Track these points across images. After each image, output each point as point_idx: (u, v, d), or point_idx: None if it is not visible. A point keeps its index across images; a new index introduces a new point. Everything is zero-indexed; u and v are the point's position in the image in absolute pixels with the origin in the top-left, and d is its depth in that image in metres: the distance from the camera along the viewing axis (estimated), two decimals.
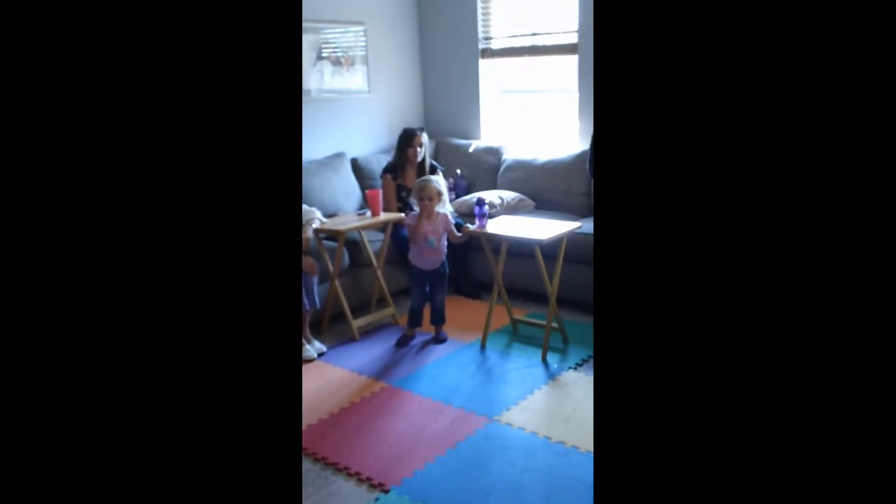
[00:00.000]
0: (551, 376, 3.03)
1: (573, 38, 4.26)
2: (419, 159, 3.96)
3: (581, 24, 4.17)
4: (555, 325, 3.30)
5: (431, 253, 3.34)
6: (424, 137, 3.99)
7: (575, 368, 3.07)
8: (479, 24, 4.64)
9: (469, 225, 3.37)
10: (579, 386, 2.92)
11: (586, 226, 3.57)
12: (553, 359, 3.19)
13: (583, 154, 4.14)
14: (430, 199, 3.25)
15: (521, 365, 3.15)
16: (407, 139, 3.95)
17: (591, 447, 2.42)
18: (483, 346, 3.35)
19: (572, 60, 4.29)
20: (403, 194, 4.00)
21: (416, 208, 3.36)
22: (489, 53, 4.70)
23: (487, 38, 4.68)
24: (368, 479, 2.30)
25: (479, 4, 4.61)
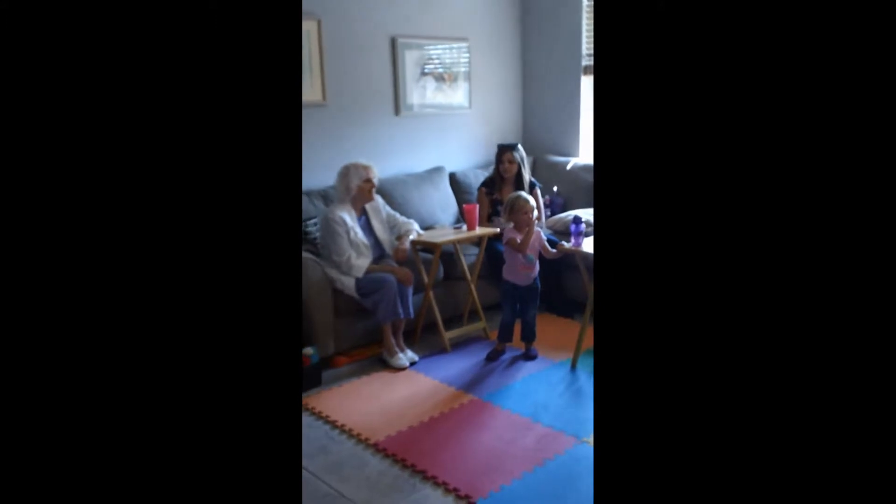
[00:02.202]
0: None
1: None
2: (512, 175, 3.97)
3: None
4: None
5: (527, 268, 3.34)
6: (520, 153, 3.99)
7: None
8: (584, 40, 4.62)
9: (564, 242, 3.35)
10: None
11: None
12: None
13: None
14: (526, 213, 3.25)
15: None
16: (500, 154, 3.98)
17: None
18: (574, 366, 3.30)
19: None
20: (499, 209, 4.02)
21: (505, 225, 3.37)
22: (592, 70, 4.67)
23: (591, 55, 4.65)
24: (455, 489, 2.31)
25: (585, 20, 4.59)
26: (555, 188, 4.51)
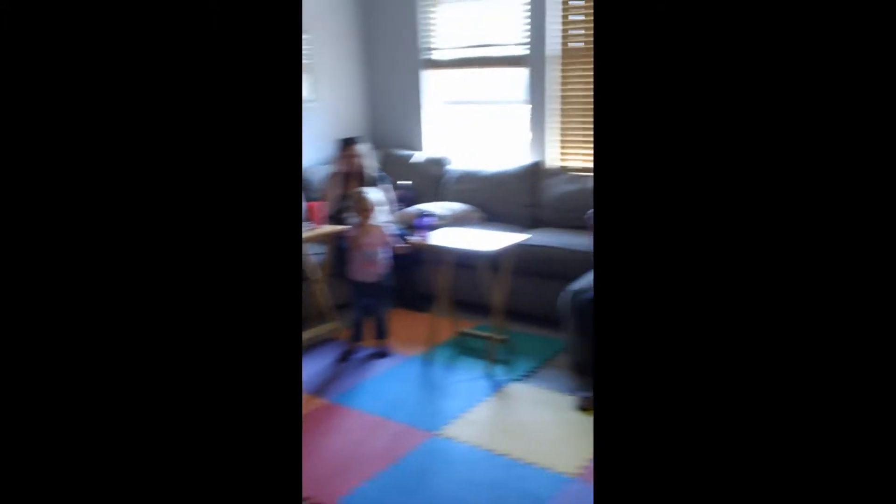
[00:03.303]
0: (496, 388, 2.96)
1: (522, 50, 4.25)
2: (356, 170, 3.88)
3: (532, 36, 4.17)
4: (501, 336, 3.25)
5: (368, 265, 3.25)
6: (363, 147, 3.91)
7: (521, 380, 3.02)
8: (421, 35, 4.60)
9: (410, 237, 3.30)
10: (524, 397, 2.86)
11: (533, 237, 3.54)
12: (499, 371, 3.13)
13: (532, 166, 4.14)
14: (365, 210, 3.18)
15: (466, 377, 3.08)
16: (341, 149, 3.90)
17: (535, 459, 2.37)
18: (427, 360, 3.27)
19: (521, 72, 4.28)
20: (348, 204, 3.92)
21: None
22: (433, 64, 4.67)
23: (431, 49, 4.65)
24: (306, 497, 2.19)
25: (421, 15, 4.58)
26: (404, 182, 4.46)
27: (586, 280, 2.91)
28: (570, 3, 4.02)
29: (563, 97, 4.18)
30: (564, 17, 4.07)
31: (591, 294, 2.77)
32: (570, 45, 4.08)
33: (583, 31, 4.03)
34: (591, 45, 3.99)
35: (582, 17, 4.02)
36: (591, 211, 2.86)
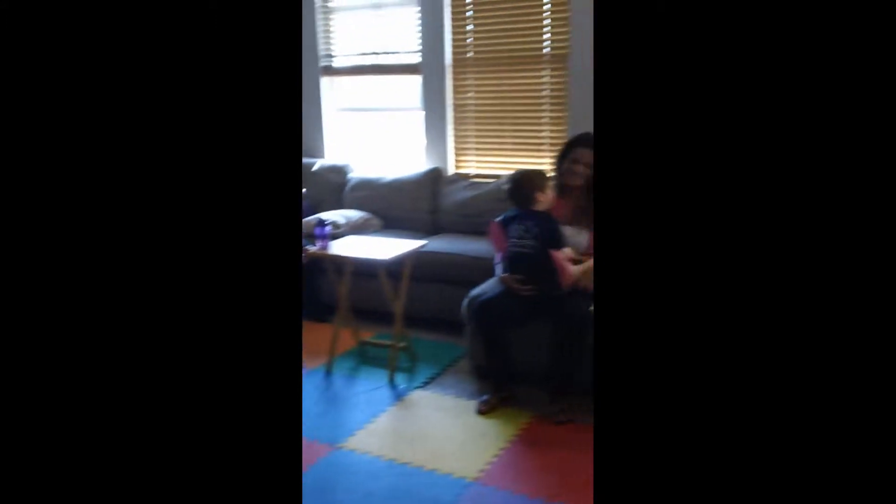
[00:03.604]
0: (398, 397, 2.97)
1: (415, 59, 4.30)
2: None
3: (424, 44, 4.22)
4: (402, 344, 3.26)
5: None
6: None
7: (422, 387, 3.04)
8: (320, 41, 4.56)
9: (310, 246, 3.27)
10: (426, 405, 2.88)
11: (431, 244, 3.58)
12: (400, 379, 3.14)
13: (430, 172, 4.18)
14: None
15: (368, 387, 3.07)
16: None
17: (436, 465, 2.39)
18: (328, 371, 3.23)
19: (415, 80, 4.32)
20: None
21: None
22: (332, 71, 4.64)
23: (329, 56, 4.62)
24: None
25: (320, 22, 4.54)
26: (302, 191, 4.40)
27: (486, 284, 2.96)
28: (466, 13, 4.09)
29: (456, 105, 4.25)
30: (457, 26, 4.13)
31: (485, 297, 2.83)
32: (463, 54, 4.16)
33: (473, 41, 4.11)
34: (481, 55, 4.09)
35: (472, 27, 4.10)
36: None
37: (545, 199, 2.80)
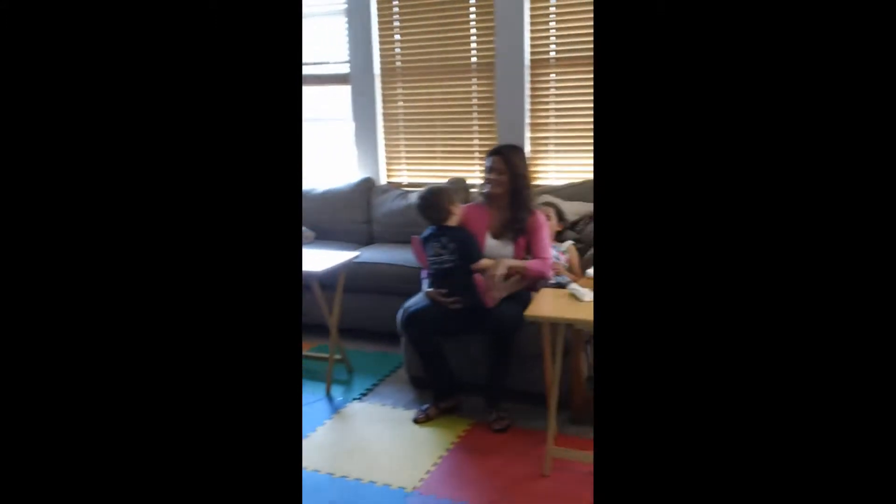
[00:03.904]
0: (335, 410, 2.94)
1: (344, 69, 4.28)
2: None
3: (351, 55, 4.21)
4: (338, 356, 3.23)
5: None
6: None
7: (360, 399, 3.02)
8: None
9: None
10: (364, 416, 2.87)
11: (365, 254, 3.57)
12: (337, 391, 3.11)
13: (363, 182, 4.16)
14: None
15: (305, 401, 3.02)
16: None
17: (375, 477, 2.38)
18: None
19: (345, 90, 4.31)
20: None
21: None
22: None
23: None
24: None
25: None
26: None
27: (418, 296, 2.97)
28: (393, 23, 4.11)
29: (386, 114, 4.26)
30: (384, 36, 4.14)
31: (415, 309, 2.83)
32: (392, 64, 4.17)
33: (400, 51, 4.13)
34: (409, 64, 4.11)
35: (399, 37, 4.12)
36: (419, 237, 2.96)
37: (458, 211, 2.84)
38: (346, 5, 4.17)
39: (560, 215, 3.23)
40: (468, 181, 3.95)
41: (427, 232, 2.87)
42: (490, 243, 2.85)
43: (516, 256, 2.81)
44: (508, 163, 2.80)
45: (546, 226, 2.86)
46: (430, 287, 2.84)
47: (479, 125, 4.05)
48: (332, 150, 4.53)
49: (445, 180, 3.98)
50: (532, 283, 2.77)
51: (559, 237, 3.17)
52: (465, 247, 2.76)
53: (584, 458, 2.41)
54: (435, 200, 2.83)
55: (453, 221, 2.82)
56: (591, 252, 3.18)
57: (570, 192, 3.59)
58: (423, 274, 2.97)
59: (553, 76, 3.82)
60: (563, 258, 2.99)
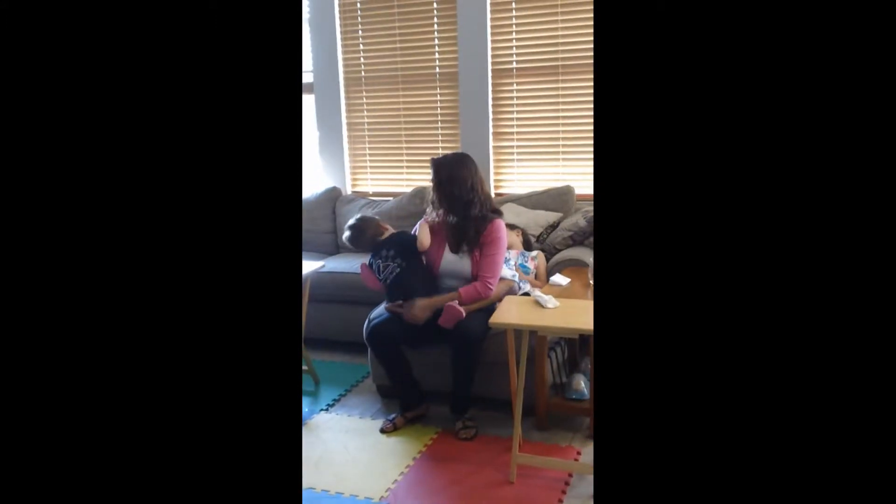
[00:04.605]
0: (302, 421, 2.93)
1: (308, 78, 4.28)
2: None
3: (315, 64, 4.20)
4: (304, 367, 3.22)
5: None
6: None
7: (326, 410, 3.01)
8: None
9: None
10: (330, 427, 2.86)
11: (330, 264, 3.56)
12: (304, 402, 3.09)
13: (328, 192, 4.16)
14: None
15: None
16: None
17: (341, 488, 2.37)
18: None
19: (309, 100, 4.30)
20: None
21: None
22: None
23: None
24: None
25: None
26: None
27: (382, 307, 2.97)
28: (357, 33, 4.12)
29: (350, 124, 4.27)
30: (348, 46, 4.15)
31: (379, 320, 2.83)
32: (356, 73, 4.18)
33: (364, 60, 4.14)
34: (373, 74, 4.12)
35: (363, 47, 4.13)
36: (365, 262, 2.95)
37: (388, 229, 2.94)
38: (308, 14, 4.17)
39: (527, 243, 3.24)
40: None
41: (370, 257, 2.93)
42: (448, 258, 2.82)
43: (472, 271, 2.77)
44: (436, 171, 2.79)
45: (502, 239, 2.78)
46: (388, 301, 2.85)
47: (444, 134, 4.08)
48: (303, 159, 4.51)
49: (410, 189, 4.00)
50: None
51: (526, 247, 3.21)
52: (403, 246, 2.83)
53: (549, 463, 2.44)
54: (364, 227, 2.94)
55: (386, 233, 2.93)
56: (552, 259, 3.23)
57: (533, 200, 3.63)
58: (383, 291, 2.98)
59: (515, 86, 3.87)
60: (531, 265, 3.03)
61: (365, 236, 2.92)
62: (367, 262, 2.93)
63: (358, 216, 3.08)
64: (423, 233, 2.83)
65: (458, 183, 2.74)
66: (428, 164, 4.12)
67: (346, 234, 2.97)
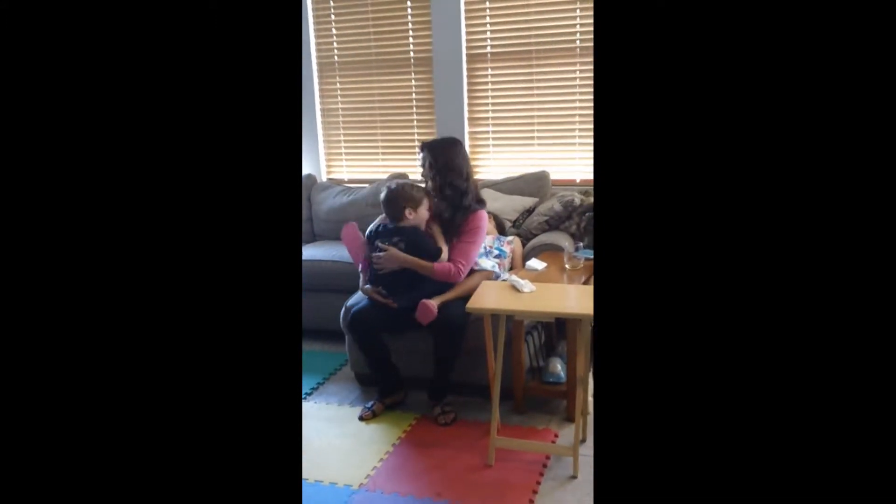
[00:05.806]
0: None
1: None
2: None
3: None
4: None
5: None
6: None
7: (305, 399, 3.00)
8: None
9: None
10: (310, 415, 2.85)
11: (306, 252, 3.54)
12: None
13: (304, 179, 4.12)
14: None
15: None
16: None
17: (321, 476, 2.38)
18: None
19: None
20: None
21: None
22: None
23: None
24: None
25: None
26: None
27: (359, 294, 2.95)
28: (329, 18, 4.07)
29: (324, 110, 4.23)
30: (321, 31, 4.11)
31: (357, 307, 2.82)
32: (329, 59, 4.14)
33: (337, 45, 4.10)
34: (346, 59, 4.08)
35: (335, 32, 4.09)
36: (369, 230, 2.94)
37: (413, 216, 2.77)
38: None
39: (500, 227, 3.25)
40: (410, 176, 3.96)
41: (378, 227, 2.84)
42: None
43: (448, 256, 2.76)
44: (434, 157, 2.75)
45: (482, 229, 2.78)
46: (368, 284, 2.82)
47: (419, 120, 4.06)
48: None
49: (386, 175, 3.98)
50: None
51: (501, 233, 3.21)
52: (416, 246, 2.74)
53: (527, 446, 2.46)
54: (399, 197, 2.76)
55: (407, 223, 2.77)
56: (528, 244, 3.24)
57: (509, 186, 3.63)
58: (360, 268, 2.92)
59: (490, 71, 3.86)
60: (507, 249, 3.03)
61: (394, 205, 2.76)
62: (370, 232, 2.83)
63: (406, 182, 2.92)
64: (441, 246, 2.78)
65: (455, 171, 2.74)
66: (404, 150, 4.17)
67: (384, 193, 2.80)
